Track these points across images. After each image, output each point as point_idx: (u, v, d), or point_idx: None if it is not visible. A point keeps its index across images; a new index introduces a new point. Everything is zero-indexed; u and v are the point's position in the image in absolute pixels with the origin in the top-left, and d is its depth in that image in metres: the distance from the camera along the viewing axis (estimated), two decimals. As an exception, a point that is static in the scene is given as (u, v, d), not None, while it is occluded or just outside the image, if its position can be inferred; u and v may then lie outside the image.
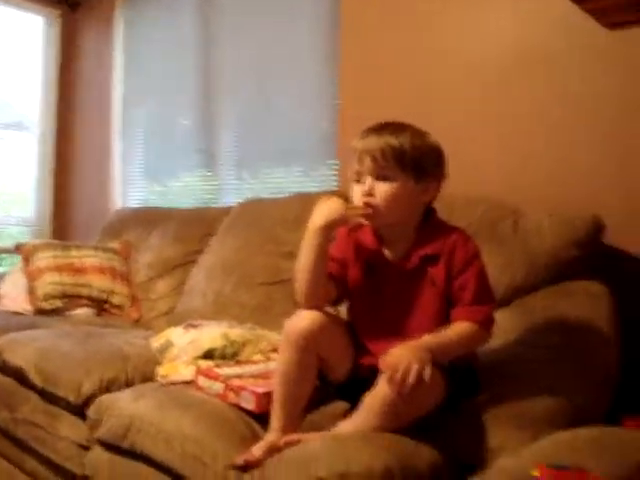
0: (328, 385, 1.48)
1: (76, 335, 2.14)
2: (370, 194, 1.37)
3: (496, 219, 1.88)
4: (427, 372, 1.19)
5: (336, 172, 2.66)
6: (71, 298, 2.71)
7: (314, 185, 2.73)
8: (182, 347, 1.86)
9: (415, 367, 1.18)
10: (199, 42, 3.27)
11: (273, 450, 1.30)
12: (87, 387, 1.78)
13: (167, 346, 1.94)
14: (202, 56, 3.25)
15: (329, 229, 1.38)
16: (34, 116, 3.94)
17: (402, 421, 1.25)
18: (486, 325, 1.37)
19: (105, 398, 1.72)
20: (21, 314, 2.62)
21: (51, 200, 3.92)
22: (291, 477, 1.17)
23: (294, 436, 1.33)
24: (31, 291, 2.68)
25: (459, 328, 1.34)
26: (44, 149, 3.92)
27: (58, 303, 2.68)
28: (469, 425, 1.30)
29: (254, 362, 1.75)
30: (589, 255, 1.77)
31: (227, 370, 1.64)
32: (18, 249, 2.88)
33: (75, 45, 3.90)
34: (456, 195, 2.00)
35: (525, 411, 1.29)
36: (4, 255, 3.85)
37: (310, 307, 1.39)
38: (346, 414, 1.42)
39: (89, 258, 2.85)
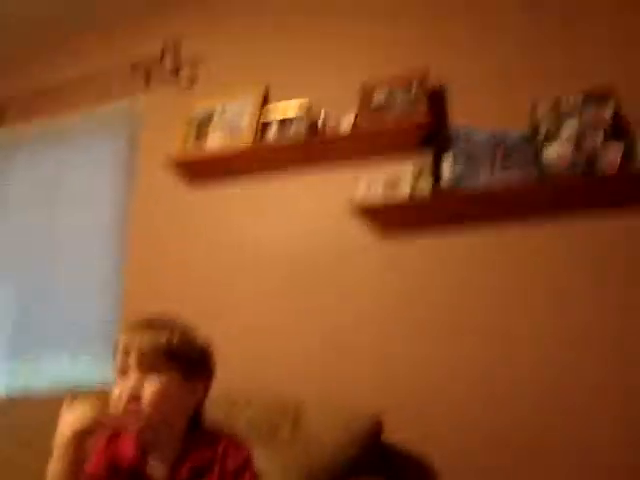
0: None
1: None
2: (135, 396, 1.24)
3: (276, 417, 1.82)
4: None
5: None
6: None
7: (99, 376, 2.51)
8: None
9: None
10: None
11: None
12: None
13: None
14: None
15: (81, 439, 1.19)
16: None
17: None
18: None
19: None
20: None
21: None
22: None
23: None
24: None
25: None
26: None
27: None
28: None
29: None
30: (370, 452, 1.76)
31: None
32: None
33: None
34: (238, 389, 1.95)
35: None
36: None
37: None
38: None
39: None
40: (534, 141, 1.93)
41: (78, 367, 2.69)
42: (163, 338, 1.29)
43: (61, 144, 2.97)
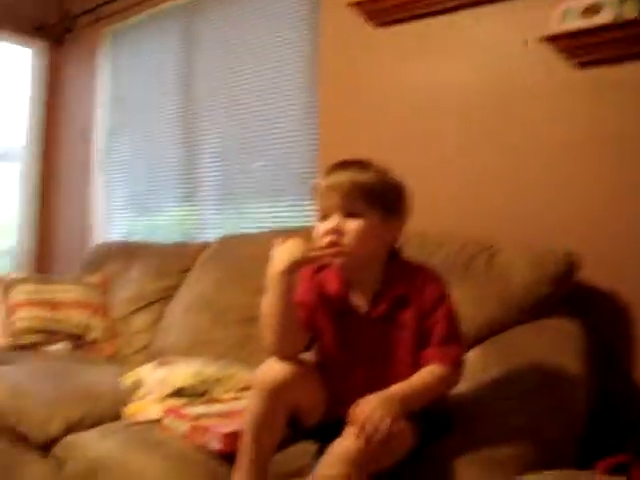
0: (298, 429, 1.43)
1: (47, 372, 2.11)
2: (337, 232, 1.34)
3: (470, 256, 1.87)
4: (396, 427, 1.15)
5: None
6: (47, 333, 2.67)
7: (300, 220, 2.72)
8: (152, 385, 1.83)
9: (384, 422, 1.14)
10: (182, 76, 3.29)
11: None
12: (54, 427, 1.75)
13: (138, 384, 1.91)
14: (185, 90, 3.27)
15: (290, 273, 1.33)
16: (19, 147, 3.94)
17: (369, 470, 1.21)
18: (456, 367, 1.34)
19: (71, 438, 1.69)
20: (-4, 349, 2.58)
21: (34, 232, 3.89)
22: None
23: (259, 483, 1.29)
24: (7, 326, 2.65)
25: (429, 372, 1.30)
26: (28, 180, 3.91)
27: (34, 338, 2.64)
28: (439, 468, 1.26)
29: (224, 400, 1.72)
30: (563, 292, 1.77)
31: (195, 409, 1.61)
32: (-4, 283, 2.84)
33: (61, 77, 3.92)
34: (430, 232, 2.02)
35: (494, 454, 1.26)
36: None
37: (282, 357, 1.34)
38: (315, 456, 1.39)
39: (67, 293, 2.82)
40: None
41: (282, 211, 2.91)
42: (362, 177, 1.35)
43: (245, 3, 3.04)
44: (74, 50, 3.87)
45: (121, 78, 3.65)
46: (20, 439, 1.83)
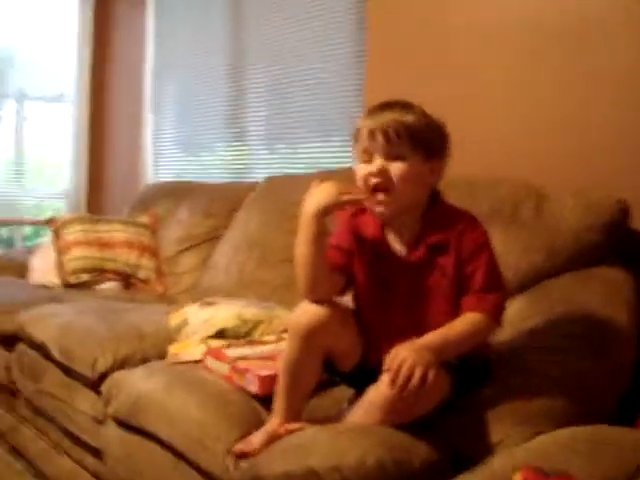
0: (335, 374, 1.44)
1: (97, 311, 2.17)
2: (382, 174, 1.30)
3: (518, 201, 1.81)
4: (430, 375, 1.14)
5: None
6: (98, 272, 2.75)
7: (349, 161, 2.67)
8: (196, 325, 1.86)
9: (419, 370, 1.13)
10: (229, 16, 3.25)
11: (273, 439, 1.29)
12: (102, 363, 1.81)
13: (183, 324, 1.94)
14: (232, 30, 3.23)
15: (322, 216, 1.31)
16: (72, 89, 3.98)
17: (403, 418, 1.21)
18: (495, 315, 1.30)
19: (118, 375, 1.75)
20: (49, 287, 2.66)
21: (86, 173, 3.97)
22: (284, 466, 1.16)
23: (295, 425, 1.31)
24: (59, 265, 2.73)
25: (467, 320, 1.28)
26: (79, 122, 3.96)
27: (85, 277, 2.72)
28: (472, 420, 1.25)
29: (265, 342, 1.73)
30: (613, 240, 1.70)
31: (236, 351, 1.63)
32: (49, 223, 2.92)
33: (108, 19, 3.92)
34: (478, 175, 1.96)
35: (529, 406, 1.24)
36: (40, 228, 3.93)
37: (315, 300, 1.33)
38: (351, 401, 1.40)
39: (118, 232, 2.88)
40: None
41: (329, 152, 2.87)
42: (408, 118, 1.30)
43: None
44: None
45: (169, 19, 3.61)
46: (72, 375, 1.91)
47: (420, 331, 1.25)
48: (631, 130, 1.86)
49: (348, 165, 2.52)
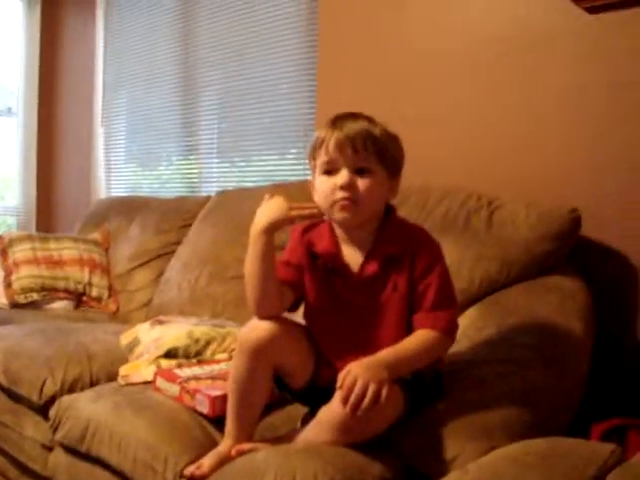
0: (286, 391, 1.40)
1: (46, 332, 2.09)
2: (350, 188, 1.25)
3: (471, 211, 1.82)
4: (384, 393, 1.11)
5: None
6: (49, 291, 2.66)
7: (303, 174, 2.65)
8: (147, 345, 1.81)
9: (372, 388, 1.10)
10: (181, 28, 3.20)
11: (224, 460, 1.26)
12: (50, 387, 1.74)
13: (135, 343, 1.89)
14: (184, 42, 3.19)
15: (272, 231, 1.28)
16: (19, 103, 3.88)
17: (356, 437, 1.18)
18: (448, 332, 1.29)
19: (66, 399, 1.68)
20: (-3, 308, 2.58)
21: (35, 188, 3.86)
22: (236, 489, 1.13)
23: (246, 446, 1.27)
24: (8, 284, 2.64)
25: (421, 337, 1.26)
26: (28, 136, 3.86)
27: (35, 296, 2.63)
28: (426, 436, 1.23)
29: (217, 361, 1.70)
30: (566, 249, 1.72)
31: (186, 371, 1.59)
32: (-5, 241, 2.83)
33: (57, 30, 3.83)
34: (432, 185, 1.96)
35: (483, 421, 1.22)
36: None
37: (264, 317, 1.30)
38: (305, 420, 1.37)
39: (68, 250, 2.80)
40: None
41: (283, 165, 2.85)
42: (375, 131, 1.27)
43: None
44: (70, 1, 3.77)
45: (119, 29, 3.56)
46: (18, 400, 1.83)
47: (372, 348, 1.23)
48: (582, 141, 1.89)
49: (302, 177, 2.51)
